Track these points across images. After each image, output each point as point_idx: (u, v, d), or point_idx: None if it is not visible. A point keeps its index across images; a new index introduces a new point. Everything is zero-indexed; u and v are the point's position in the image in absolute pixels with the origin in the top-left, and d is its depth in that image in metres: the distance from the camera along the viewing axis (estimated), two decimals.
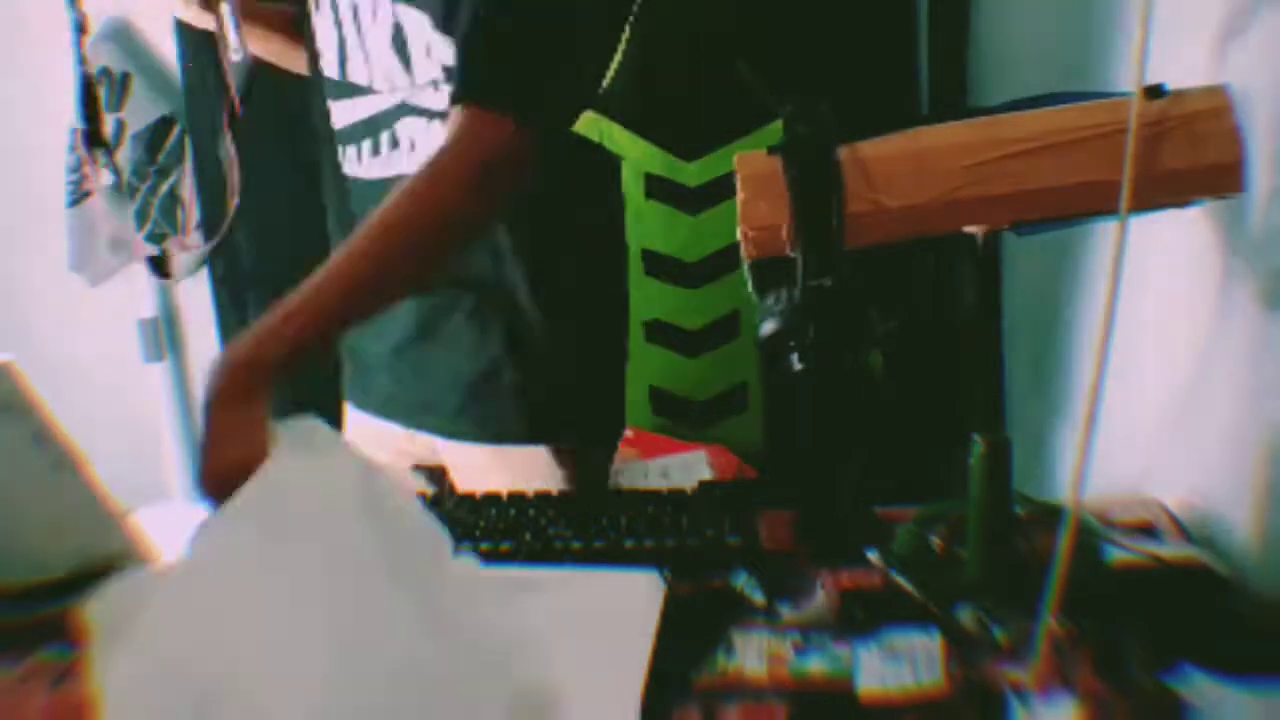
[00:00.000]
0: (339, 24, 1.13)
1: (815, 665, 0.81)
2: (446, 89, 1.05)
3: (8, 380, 0.87)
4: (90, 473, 0.97)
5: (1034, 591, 0.74)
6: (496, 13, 0.97)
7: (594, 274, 1.24)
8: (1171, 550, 0.92)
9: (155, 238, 2.06)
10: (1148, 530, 0.96)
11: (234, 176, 1.22)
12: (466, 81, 0.98)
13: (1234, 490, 0.90)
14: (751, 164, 0.82)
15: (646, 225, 1.62)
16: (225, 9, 1.11)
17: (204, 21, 1.17)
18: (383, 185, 1.05)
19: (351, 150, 1.17)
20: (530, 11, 0.98)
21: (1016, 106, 0.83)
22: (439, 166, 0.94)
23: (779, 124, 0.82)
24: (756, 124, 1.53)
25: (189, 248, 2.07)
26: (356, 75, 1.13)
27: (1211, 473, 0.94)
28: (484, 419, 1.17)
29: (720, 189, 1.59)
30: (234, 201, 1.24)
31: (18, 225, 2.10)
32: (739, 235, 0.82)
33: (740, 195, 0.82)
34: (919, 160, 0.81)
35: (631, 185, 1.61)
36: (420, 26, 1.05)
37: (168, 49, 1.97)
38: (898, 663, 0.80)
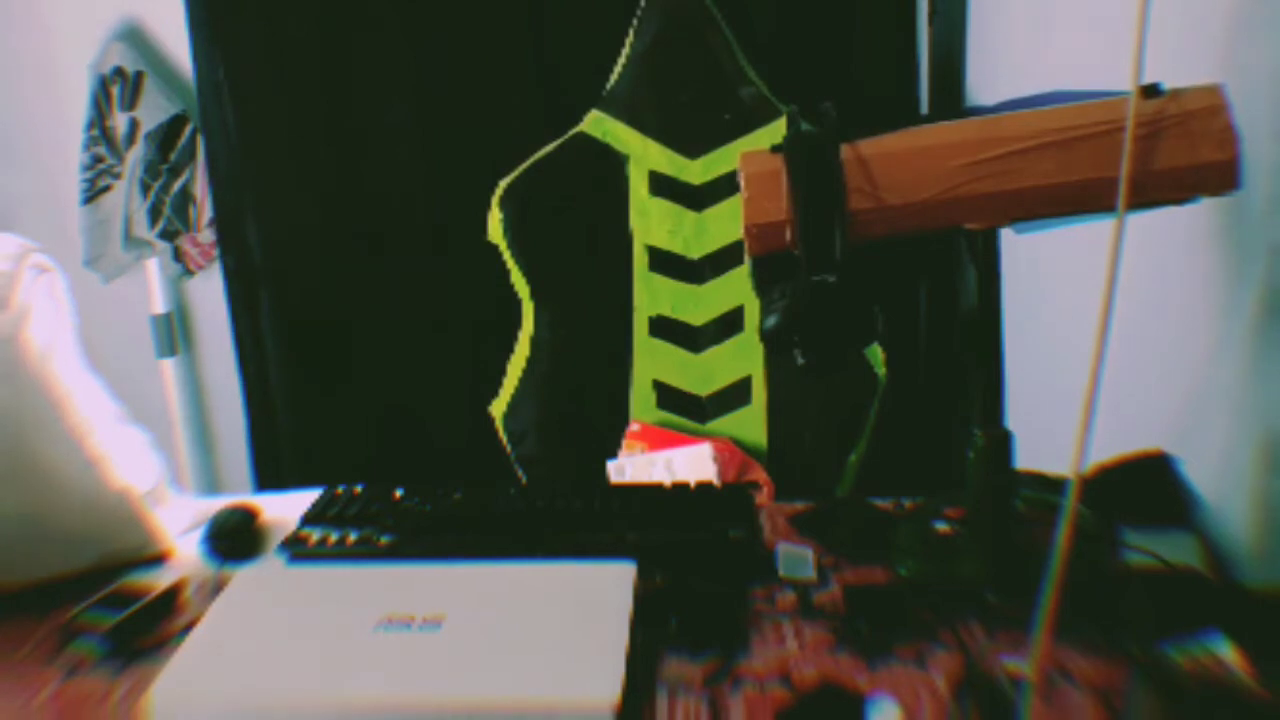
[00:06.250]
0: None
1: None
2: None
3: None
4: (122, 468, 0.99)
5: (1034, 583, 0.74)
6: None
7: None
8: None
9: (168, 234, 2.08)
10: None
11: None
12: None
13: (1230, 486, 0.91)
14: (755, 162, 0.83)
15: (651, 222, 1.62)
16: None
17: None
18: None
19: None
20: None
21: (1014, 105, 0.83)
22: None
23: (782, 122, 0.82)
24: (760, 122, 1.54)
25: (201, 244, 2.09)
26: None
27: (1208, 468, 0.95)
28: None
29: (724, 186, 1.60)
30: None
31: (32, 220, 2.12)
32: (742, 232, 0.83)
33: (744, 192, 0.83)
34: (919, 158, 0.81)
35: (636, 183, 1.62)
36: None
37: (180, 49, 1.99)
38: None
